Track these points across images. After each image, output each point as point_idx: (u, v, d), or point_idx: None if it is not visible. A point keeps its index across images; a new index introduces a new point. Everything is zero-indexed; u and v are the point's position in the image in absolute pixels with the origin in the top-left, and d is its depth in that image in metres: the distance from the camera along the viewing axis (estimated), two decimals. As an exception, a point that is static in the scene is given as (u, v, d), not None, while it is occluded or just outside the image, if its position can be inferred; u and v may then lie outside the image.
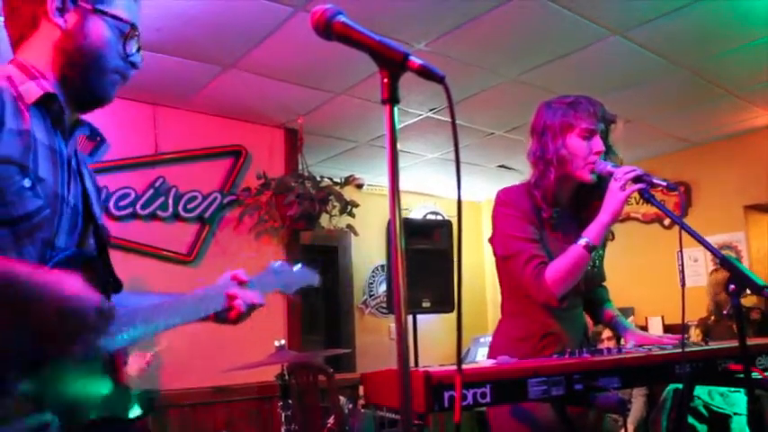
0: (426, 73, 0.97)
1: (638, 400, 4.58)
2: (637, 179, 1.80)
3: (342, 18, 1.02)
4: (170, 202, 4.16)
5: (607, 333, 4.64)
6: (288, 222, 4.39)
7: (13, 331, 1.06)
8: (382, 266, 6.47)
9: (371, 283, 6.48)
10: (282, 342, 3.37)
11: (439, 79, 0.96)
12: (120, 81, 1.35)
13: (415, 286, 4.58)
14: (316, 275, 1.92)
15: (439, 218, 6.72)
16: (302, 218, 4.34)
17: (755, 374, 1.62)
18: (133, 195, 4.03)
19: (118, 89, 1.36)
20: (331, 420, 3.56)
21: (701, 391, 3.04)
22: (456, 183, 0.99)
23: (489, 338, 2.19)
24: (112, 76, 1.33)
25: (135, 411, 1.28)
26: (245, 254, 4.40)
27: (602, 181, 1.93)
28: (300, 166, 4.65)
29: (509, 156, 5.64)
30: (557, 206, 2.00)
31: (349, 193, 4.75)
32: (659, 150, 5.71)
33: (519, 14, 3.25)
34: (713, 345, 1.83)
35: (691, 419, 3.00)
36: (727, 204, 5.43)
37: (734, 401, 3.02)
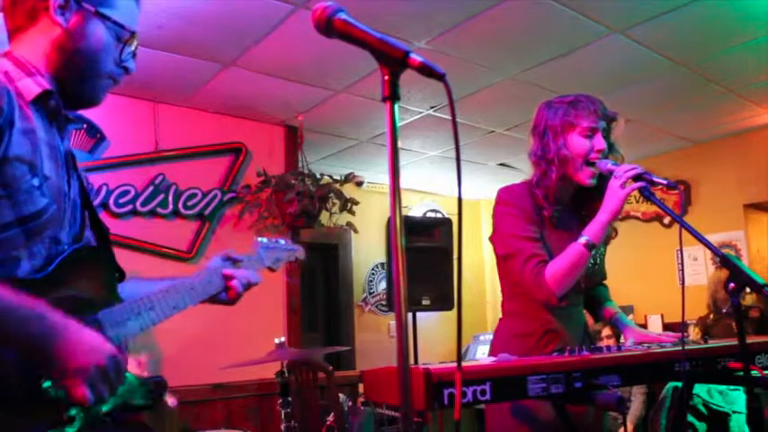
0: (427, 70, 0.97)
1: (637, 398, 4.59)
2: (637, 177, 1.80)
3: (342, 15, 1.02)
4: (170, 199, 4.16)
5: (606, 331, 4.65)
6: (288, 220, 4.39)
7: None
8: (382, 264, 6.48)
9: (371, 281, 6.48)
10: (282, 339, 3.37)
11: (439, 77, 0.96)
12: (111, 85, 1.36)
13: (415, 284, 4.59)
14: (301, 248, 1.96)
15: (439, 216, 6.72)
16: (302, 215, 4.34)
17: (755, 373, 1.62)
18: (133, 192, 4.03)
19: (108, 92, 1.37)
20: (330, 418, 3.57)
21: (700, 389, 3.04)
22: (456, 181, 0.99)
23: (489, 336, 2.20)
24: (105, 80, 1.33)
25: (145, 399, 1.30)
26: (245, 251, 4.39)
27: (603, 179, 1.93)
28: (300, 164, 4.65)
29: (510, 154, 5.64)
30: (558, 205, 2.00)
31: (349, 190, 4.75)
32: (659, 149, 5.71)
33: (520, 12, 3.25)
34: (712, 343, 1.84)
35: (690, 418, 3.00)
36: (727, 203, 5.44)
37: (733, 400, 3.03)
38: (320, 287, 6.48)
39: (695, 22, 3.41)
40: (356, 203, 4.60)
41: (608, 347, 1.73)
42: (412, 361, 2.81)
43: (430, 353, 5.64)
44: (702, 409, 3.05)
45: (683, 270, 4.94)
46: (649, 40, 3.61)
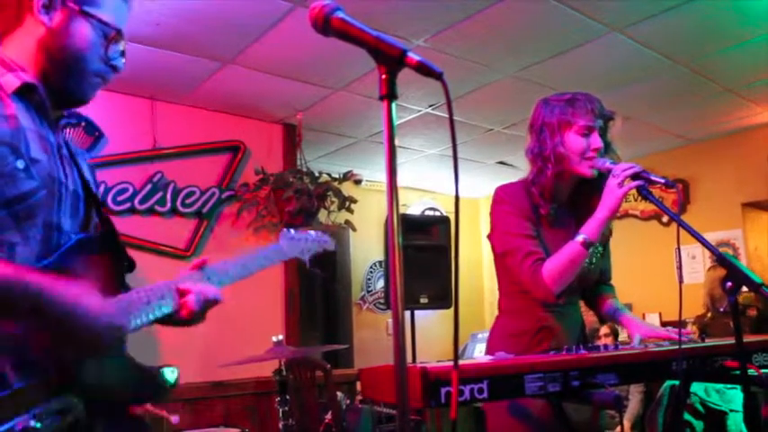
0: (424, 69, 0.96)
1: (634, 396, 4.59)
2: (635, 176, 1.80)
3: (340, 14, 1.01)
4: (168, 197, 4.16)
5: (604, 330, 4.66)
6: (286, 218, 4.39)
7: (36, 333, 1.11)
8: (380, 262, 6.48)
9: (369, 279, 6.48)
10: (280, 337, 3.37)
11: (437, 75, 0.96)
12: (100, 83, 1.35)
13: (413, 282, 4.59)
14: (330, 239, 1.91)
15: (437, 214, 6.73)
16: (300, 213, 4.34)
17: (751, 371, 1.62)
18: (131, 190, 4.03)
19: (97, 91, 1.36)
20: (328, 416, 3.57)
21: (697, 387, 3.05)
22: (454, 179, 0.99)
23: (487, 335, 2.19)
24: (93, 78, 1.33)
25: (150, 391, 1.29)
26: (243, 249, 4.39)
27: (601, 177, 1.93)
28: (299, 162, 4.65)
29: (508, 152, 5.64)
30: (555, 203, 2.00)
31: (347, 188, 4.75)
32: (657, 147, 5.72)
33: (518, 11, 3.25)
34: (710, 342, 1.84)
35: (687, 416, 3.01)
36: (725, 202, 5.44)
37: (730, 398, 3.03)
38: (318, 285, 6.47)
39: (694, 20, 3.42)
40: (354, 201, 4.60)
41: (605, 346, 1.73)
42: (410, 359, 2.81)
43: (428, 351, 5.64)
44: (699, 407, 3.05)
45: (680, 268, 4.94)
46: (648, 39, 3.61)
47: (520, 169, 4.51)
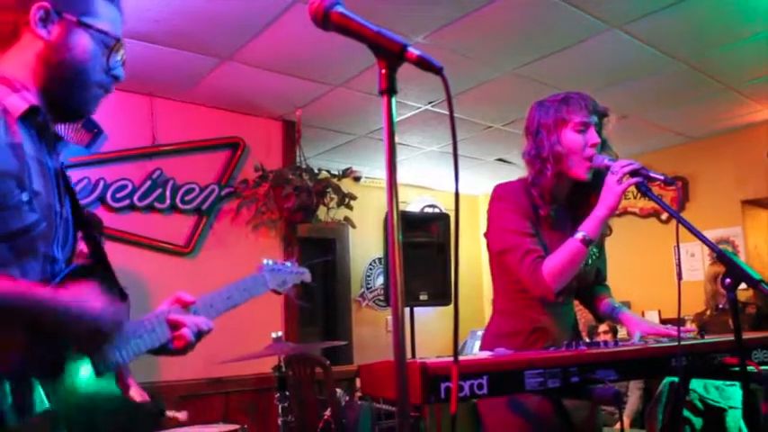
0: (424, 64, 0.96)
1: (634, 393, 4.60)
2: (634, 173, 1.80)
3: (340, 8, 1.01)
4: (167, 193, 4.15)
5: (604, 327, 4.66)
6: (285, 215, 4.39)
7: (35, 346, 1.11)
8: (380, 259, 6.48)
9: (369, 276, 6.49)
10: (280, 334, 3.37)
11: (437, 70, 0.96)
12: (102, 95, 1.33)
13: (413, 279, 4.60)
14: (307, 272, 1.92)
15: (437, 211, 6.73)
16: (300, 210, 4.34)
17: (751, 368, 1.62)
18: (131, 187, 4.02)
19: (99, 103, 1.34)
20: (328, 412, 3.57)
21: (696, 384, 3.05)
22: (454, 176, 0.99)
23: (485, 333, 2.19)
24: (95, 90, 1.30)
25: (144, 426, 1.29)
26: (243, 246, 4.40)
27: (599, 175, 1.93)
28: (298, 159, 4.65)
29: (507, 149, 5.64)
30: (554, 203, 2.00)
31: (347, 185, 4.75)
32: (657, 145, 5.72)
33: (518, 7, 3.24)
34: (709, 338, 1.84)
35: (686, 413, 3.01)
36: (725, 199, 5.44)
37: (729, 395, 3.04)
38: (318, 282, 6.48)
39: (693, 17, 3.41)
40: (354, 198, 4.60)
41: (605, 342, 1.73)
42: (409, 355, 2.82)
43: (427, 348, 5.63)
44: (699, 404, 3.05)
45: (679, 266, 4.94)
46: (647, 36, 3.61)
47: (519, 166, 4.47)
